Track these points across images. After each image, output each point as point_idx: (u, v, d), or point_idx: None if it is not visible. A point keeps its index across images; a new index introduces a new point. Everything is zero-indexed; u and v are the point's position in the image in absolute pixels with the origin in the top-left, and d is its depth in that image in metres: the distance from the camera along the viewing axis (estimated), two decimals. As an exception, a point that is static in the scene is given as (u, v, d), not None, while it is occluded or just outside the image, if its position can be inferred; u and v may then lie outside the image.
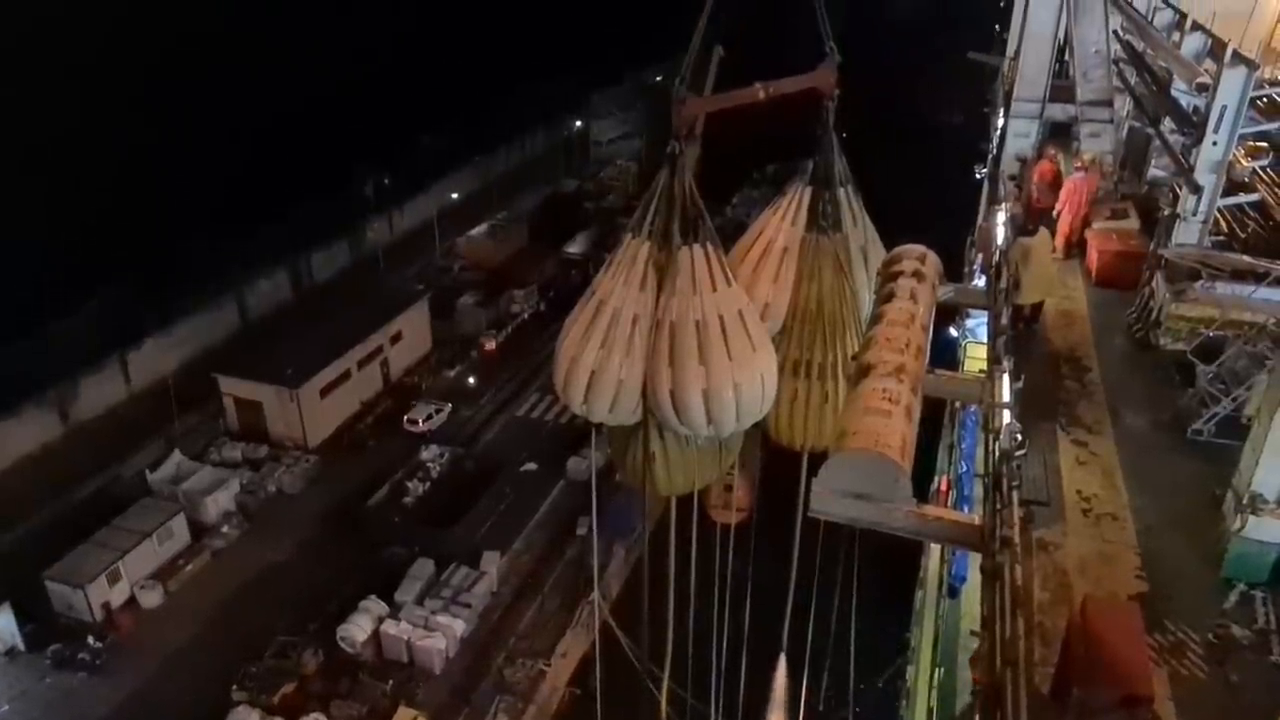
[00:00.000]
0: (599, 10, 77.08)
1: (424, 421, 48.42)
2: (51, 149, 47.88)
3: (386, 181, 64.94)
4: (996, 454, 8.87)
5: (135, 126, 51.56)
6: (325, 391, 47.40)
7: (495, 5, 76.86)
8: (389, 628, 35.45)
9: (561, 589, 38.91)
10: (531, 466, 45.21)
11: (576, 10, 76.88)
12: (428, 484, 43.97)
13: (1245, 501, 9.97)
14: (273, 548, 40.40)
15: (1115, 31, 21.50)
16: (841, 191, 12.17)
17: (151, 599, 37.53)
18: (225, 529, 41.14)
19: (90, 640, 35.23)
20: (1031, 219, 17.19)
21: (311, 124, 57.82)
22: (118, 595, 36.90)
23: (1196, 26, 19.59)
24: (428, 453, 45.73)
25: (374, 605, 36.13)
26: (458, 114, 69.70)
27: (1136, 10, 24.08)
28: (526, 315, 58.78)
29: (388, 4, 70.27)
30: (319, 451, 46.46)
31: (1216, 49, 16.63)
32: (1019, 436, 8.73)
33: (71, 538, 37.72)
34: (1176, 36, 20.54)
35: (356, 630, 35.24)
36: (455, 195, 69.55)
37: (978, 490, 14.28)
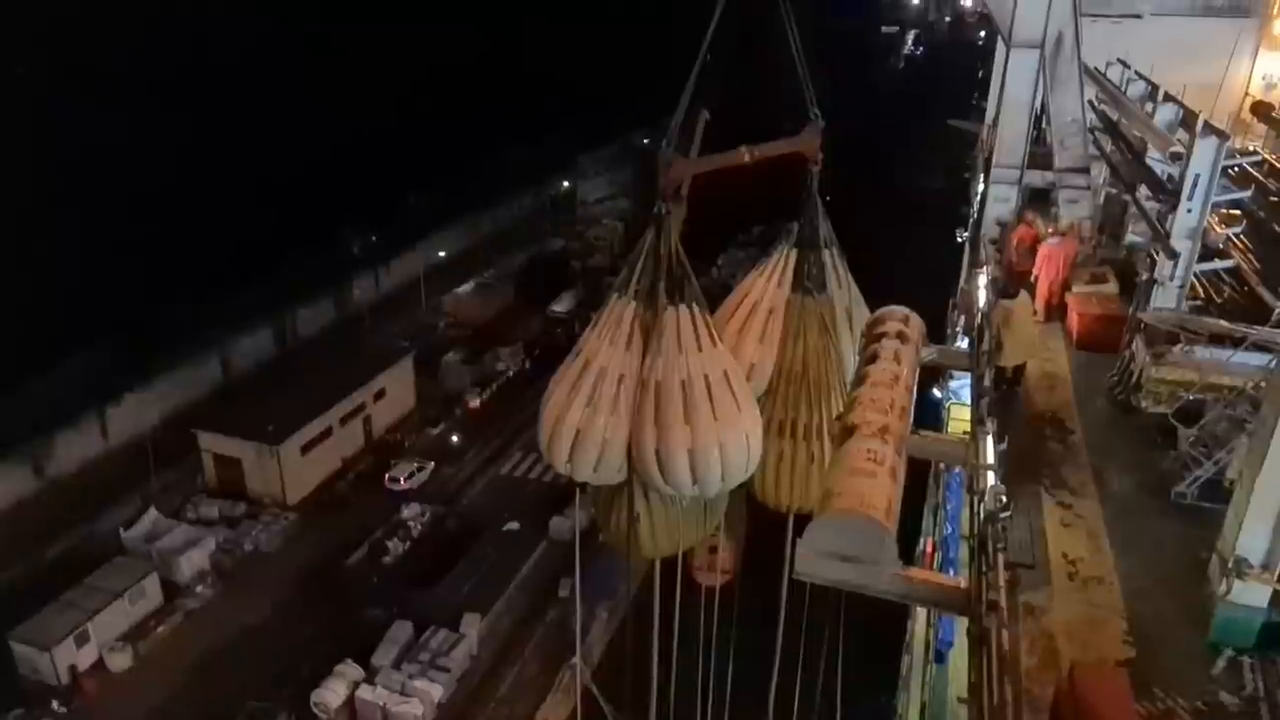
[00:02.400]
0: (588, 73, 78.61)
1: (406, 480, 47.96)
2: (33, 205, 47.80)
3: (374, 239, 65.34)
4: (981, 516, 8.80)
5: (120, 181, 51.66)
6: (306, 448, 46.97)
7: (485, 66, 78.28)
8: (364, 693, 34.61)
9: (543, 652, 38.19)
10: (514, 526, 44.70)
11: (566, 72, 78.39)
12: (408, 543, 43.43)
13: (1230, 566, 9.92)
14: (247, 609, 39.58)
15: (1090, 101, 22.12)
16: (826, 254, 12.28)
17: (120, 661, 36.55)
18: (199, 589, 40.37)
19: (55, 705, 34.26)
20: (1012, 283, 17.39)
21: (299, 181, 58.20)
22: (85, 657, 35.93)
23: (1169, 98, 20.16)
24: (409, 511, 45.21)
25: (349, 669, 35.33)
26: (446, 173, 70.47)
27: (1110, 81, 24.83)
28: (511, 373, 58.72)
29: (375, 63, 71.33)
30: (298, 509, 45.86)
31: (1188, 120, 17.07)
32: (1003, 498, 8.68)
33: (41, 597, 36.85)
34: (1150, 107, 21.13)
35: (331, 695, 34.39)
36: (442, 253, 70.10)
37: (963, 553, 14.16)
